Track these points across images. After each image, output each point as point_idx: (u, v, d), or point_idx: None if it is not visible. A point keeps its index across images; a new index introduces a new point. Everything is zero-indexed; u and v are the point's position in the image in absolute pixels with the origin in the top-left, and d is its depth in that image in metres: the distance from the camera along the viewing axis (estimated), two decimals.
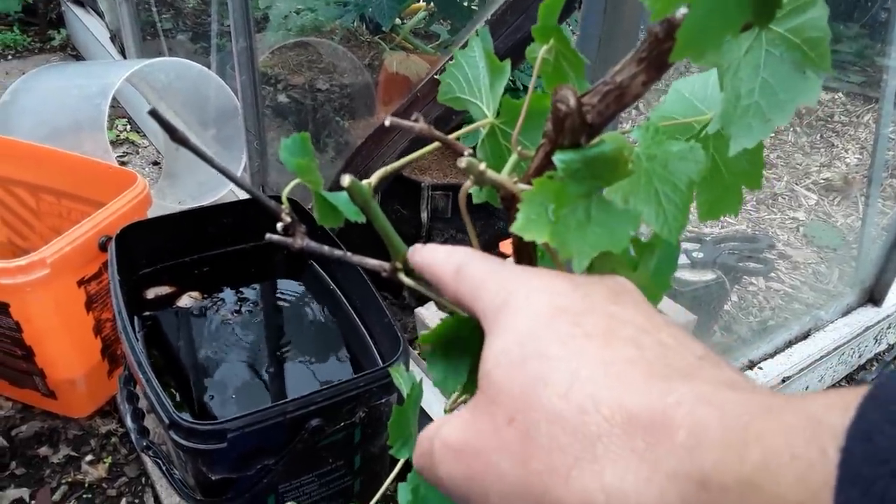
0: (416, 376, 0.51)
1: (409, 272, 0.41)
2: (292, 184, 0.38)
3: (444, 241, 1.40)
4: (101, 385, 1.36)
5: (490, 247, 1.43)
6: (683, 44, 0.26)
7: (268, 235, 0.40)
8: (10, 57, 2.83)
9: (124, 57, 2.32)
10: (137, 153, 2.23)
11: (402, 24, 1.79)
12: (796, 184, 2.30)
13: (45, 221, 1.54)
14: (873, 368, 1.61)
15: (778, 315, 1.76)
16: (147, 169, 2.15)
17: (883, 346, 1.66)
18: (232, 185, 1.65)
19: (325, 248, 0.42)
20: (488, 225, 1.41)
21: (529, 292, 0.26)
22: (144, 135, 2.29)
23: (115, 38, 2.36)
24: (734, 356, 1.34)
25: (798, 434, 0.18)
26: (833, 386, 1.58)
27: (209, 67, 1.81)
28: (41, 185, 1.49)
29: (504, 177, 0.35)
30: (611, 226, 0.32)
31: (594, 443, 0.21)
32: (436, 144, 0.39)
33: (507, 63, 0.41)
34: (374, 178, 0.40)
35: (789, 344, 1.39)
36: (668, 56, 0.27)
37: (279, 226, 0.41)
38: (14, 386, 1.35)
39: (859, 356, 1.58)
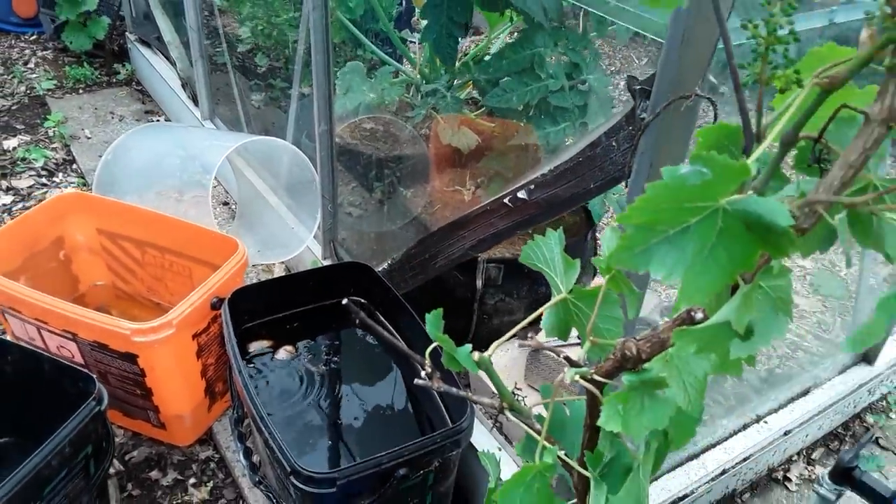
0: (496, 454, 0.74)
1: (514, 409, 0.65)
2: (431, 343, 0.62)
3: (495, 304, 1.63)
4: (203, 418, 1.60)
5: (532, 308, 1.66)
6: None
7: (416, 381, 0.64)
8: (80, 91, 3.07)
9: (196, 103, 2.55)
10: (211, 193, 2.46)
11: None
12: None
13: (148, 270, 1.78)
14: (847, 442, 1.82)
15: (784, 363, 1.97)
16: (218, 209, 2.38)
17: (876, 397, 1.87)
18: (308, 242, 1.88)
19: (453, 389, 0.66)
20: (531, 290, 1.63)
21: None
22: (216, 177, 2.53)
23: (187, 86, 2.59)
24: (744, 410, 1.56)
25: None
26: (830, 433, 1.79)
27: (284, 130, 2.05)
28: (147, 241, 1.72)
29: (591, 386, 0.59)
30: (657, 411, 0.55)
31: None
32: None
33: (578, 262, 0.64)
34: (491, 350, 0.63)
35: (791, 400, 1.60)
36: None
37: (423, 373, 0.64)
38: (127, 417, 1.59)
39: (854, 406, 1.80)
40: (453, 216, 1.52)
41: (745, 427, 1.52)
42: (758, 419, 1.54)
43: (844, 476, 1.08)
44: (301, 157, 1.80)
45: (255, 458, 1.37)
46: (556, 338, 0.67)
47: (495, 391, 0.66)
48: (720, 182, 0.40)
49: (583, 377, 0.61)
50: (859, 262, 1.70)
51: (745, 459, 1.48)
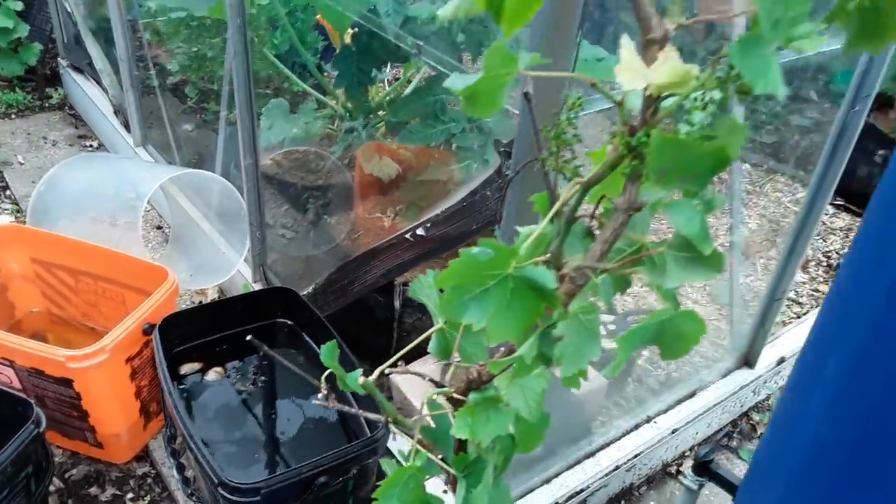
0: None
1: (396, 421, 0.80)
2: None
3: (412, 322, 1.77)
4: (139, 436, 1.69)
5: None
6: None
7: (313, 401, 0.78)
8: (13, 116, 3.09)
9: (128, 129, 2.63)
10: (143, 217, 2.53)
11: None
12: None
13: (82, 297, 1.86)
14: (735, 437, 2.03)
15: (681, 368, 2.17)
16: (152, 233, 2.46)
17: (762, 397, 2.09)
18: (238, 266, 1.99)
19: (345, 407, 0.80)
20: None
21: None
22: (150, 201, 2.60)
23: (119, 112, 2.66)
24: (636, 413, 1.74)
25: None
26: (719, 430, 1.99)
27: (214, 159, 2.15)
28: (80, 269, 1.81)
29: (447, 403, 0.74)
30: (500, 421, 0.70)
31: None
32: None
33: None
34: (375, 376, 0.77)
35: (679, 402, 1.79)
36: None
37: (319, 395, 0.78)
38: (66, 437, 1.67)
39: (741, 406, 2.00)
40: (374, 242, 1.66)
41: (636, 427, 1.70)
42: (648, 419, 1.72)
43: (703, 468, 1.26)
44: (230, 188, 1.91)
45: (189, 473, 1.48)
46: (442, 359, 0.82)
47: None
48: (501, 259, 0.55)
49: (444, 395, 0.76)
50: (730, 279, 1.91)
51: (636, 456, 1.66)
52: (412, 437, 0.83)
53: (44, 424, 1.35)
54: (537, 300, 0.58)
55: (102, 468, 1.68)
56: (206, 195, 2.17)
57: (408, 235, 1.28)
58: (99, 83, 2.87)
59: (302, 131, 1.91)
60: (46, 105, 3.20)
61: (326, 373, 0.79)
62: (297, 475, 1.27)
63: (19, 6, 3.04)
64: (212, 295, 2.14)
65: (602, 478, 1.60)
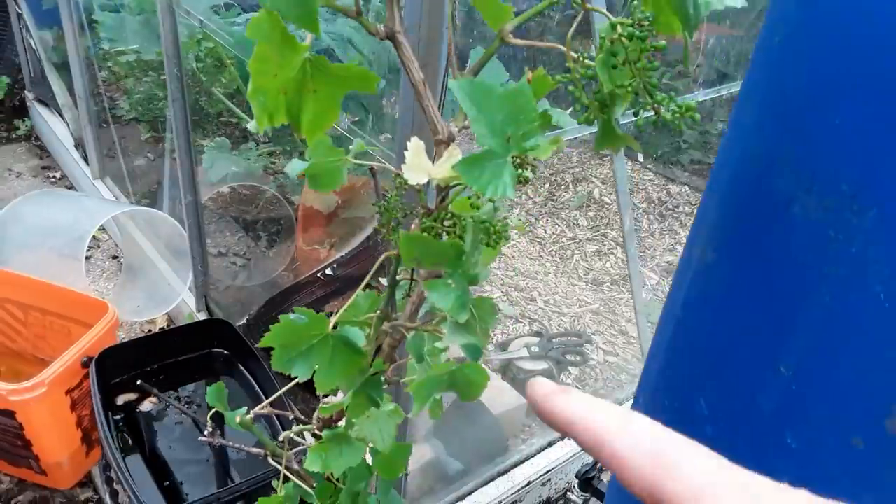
0: None
1: (274, 455, 0.91)
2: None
3: None
4: (81, 463, 1.79)
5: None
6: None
7: (199, 439, 0.89)
8: None
9: (87, 161, 2.74)
10: (98, 247, 2.65)
11: None
12: (644, 266, 2.85)
13: (32, 330, 1.97)
14: None
15: (607, 385, 2.29)
16: (107, 263, 2.57)
17: None
18: (183, 296, 2.10)
19: (230, 443, 0.91)
20: None
21: None
22: (104, 229, 2.72)
23: (79, 146, 2.78)
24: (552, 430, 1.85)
25: None
26: None
27: (162, 194, 2.27)
28: (30, 304, 1.91)
29: (311, 438, 0.85)
30: (353, 454, 0.81)
31: None
32: None
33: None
34: (250, 415, 0.88)
35: None
36: None
37: (206, 432, 0.89)
38: (11, 465, 1.78)
39: None
40: (310, 272, 1.78)
41: (550, 444, 1.82)
42: (563, 436, 1.84)
43: (587, 484, 1.38)
44: (175, 225, 2.03)
45: (122, 498, 1.58)
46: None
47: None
48: (315, 324, 0.66)
49: (309, 432, 0.87)
50: (633, 302, 2.03)
51: (548, 472, 1.77)
52: (288, 470, 0.94)
53: None
54: (355, 355, 0.69)
55: (48, 494, 1.79)
56: (155, 228, 2.28)
57: (319, 274, 1.40)
58: (62, 116, 2.99)
59: (242, 168, 2.03)
60: (13, 136, 3.31)
61: (212, 410, 0.90)
62: (217, 500, 1.38)
63: None
64: (161, 323, 2.25)
65: (515, 492, 1.71)
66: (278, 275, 2.06)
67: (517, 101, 0.52)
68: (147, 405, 1.67)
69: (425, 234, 0.62)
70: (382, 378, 0.76)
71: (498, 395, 1.82)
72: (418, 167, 0.60)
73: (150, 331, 2.25)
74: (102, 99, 2.62)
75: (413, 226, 0.71)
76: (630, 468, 0.25)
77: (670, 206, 3.15)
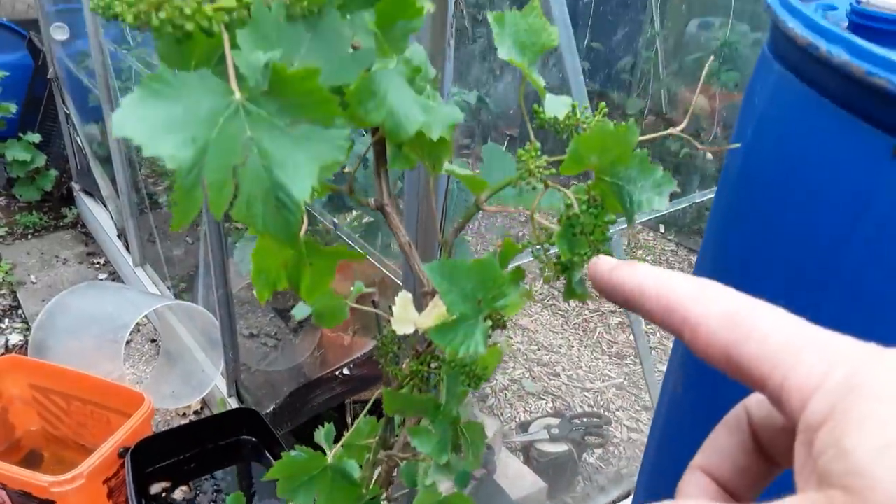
0: None
1: None
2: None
3: None
4: None
5: None
6: None
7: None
8: (29, 236, 3.40)
9: (128, 250, 2.90)
10: (139, 331, 2.77)
11: None
12: (667, 338, 2.88)
13: (74, 418, 2.07)
14: None
15: (631, 463, 2.30)
16: (146, 346, 2.69)
17: None
18: (216, 381, 2.20)
19: None
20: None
21: (888, 374, 0.21)
22: (146, 315, 2.84)
23: (122, 235, 2.94)
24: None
25: None
26: None
27: (198, 280, 2.39)
28: (72, 394, 2.02)
29: None
30: None
31: None
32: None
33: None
34: None
35: (622, 498, 1.92)
36: None
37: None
38: None
39: None
40: (335, 359, 1.86)
41: None
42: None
43: None
44: (209, 315, 2.14)
45: None
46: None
47: None
48: (313, 460, 0.73)
49: None
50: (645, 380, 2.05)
51: None
52: None
53: None
54: (352, 486, 0.76)
55: None
56: (191, 316, 2.39)
57: (337, 373, 1.48)
58: (106, 206, 3.17)
59: None
60: (61, 224, 3.51)
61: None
62: None
63: (37, 138, 3.39)
64: (195, 406, 2.34)
65: None
66: (305, 360, 2.14)
67: (485, 271, 0.60)
68: (179, 493, 1.75)
69: (413, 377, 0.70)
70: (381, 500, 0.82)
71: (518, 479, 1.85)
72: (405, 319, 0.68)
73: (184, 413, 2.34)
74: (143, 190, 2.78)
75: (404, 364, 0.78)
76: (705, 332, 0.24)
77: None
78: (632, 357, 2.83)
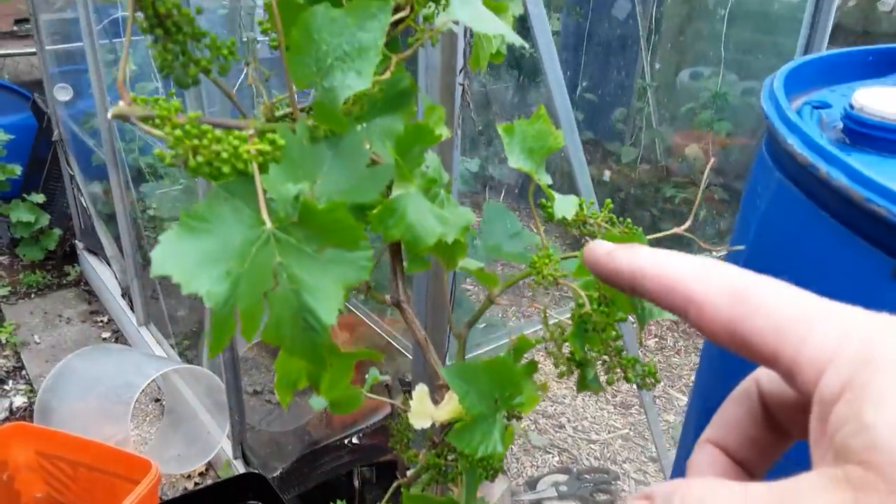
0: None
1: None
2: None
3: (373, 498, 1.94)
4: None
5: None
6: None
7: None
8: (32, 296, 3.41)
9: (132, 309, 2.91)
10: (143, 391, 2.76)
11: None
12: (671, 386, 2.88)
13: (80, 485, 2.06)
14: None
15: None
16: (150, 406, 2.68)
17: None
18: (221, 445, 2.19)
19: None
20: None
21: None
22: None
23: (126, 295, 2.95)
24: None
25: None
26: None
27: (202, 340, 2.39)
28: (78, 461, 2.02)
29: None
30: None
31: None
32: None
33: None
34: None
35: None
36: None
37: None
38: None
39: None
40: (341, 420, 1.86)
41: None
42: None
43: None
44: (215, 381, 2.14)
45: None
46: None
47: None
48: None
49: None
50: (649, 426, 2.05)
51: None
52: None
53: None
54: None
55: None
56: (196, 377, 2.39)
57: (346, 441, 1.48)
58: (110, 265, 3.19)
59: None
60: (64, 282, 3.52)
61: None
62: None
63: (41, 199, 3.43)
64: (200, 468, 2.32)
65: None
66: (310, 419, 2.14)
67: (501, 370, 0.62)
68: None
69: (430, 468, 0.71)
70: None
71: None
72: (422, 413, 0.70)
73: (189, 475, 2.32)
74: (146, 247, 2.81)
75: (421, 456, 0.79)
76: (709, 309, 0.23)
77: None
78: (636, 406, 2.83)
